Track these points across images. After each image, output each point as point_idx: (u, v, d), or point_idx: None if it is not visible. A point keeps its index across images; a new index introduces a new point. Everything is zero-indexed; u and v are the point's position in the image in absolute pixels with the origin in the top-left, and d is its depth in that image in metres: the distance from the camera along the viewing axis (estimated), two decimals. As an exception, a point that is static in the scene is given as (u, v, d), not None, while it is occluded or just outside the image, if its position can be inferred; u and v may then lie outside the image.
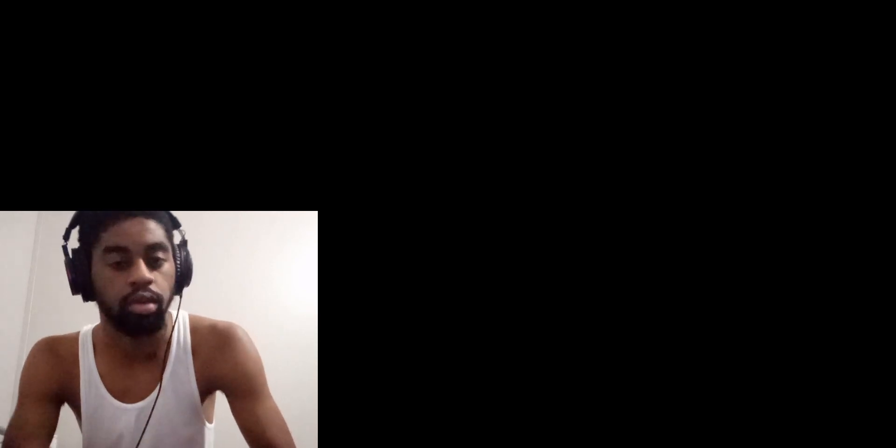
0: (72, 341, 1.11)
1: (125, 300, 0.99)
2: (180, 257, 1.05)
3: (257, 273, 2.58)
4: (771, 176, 0.97)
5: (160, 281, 1.01)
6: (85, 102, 0.98)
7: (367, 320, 0.97)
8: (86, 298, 1.04)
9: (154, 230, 1.02)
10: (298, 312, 2.48)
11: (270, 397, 1.11)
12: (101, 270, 1.01)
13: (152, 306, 1.00)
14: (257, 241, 2.60)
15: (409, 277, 0.97)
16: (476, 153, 0.98)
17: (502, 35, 0.99)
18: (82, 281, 1.02)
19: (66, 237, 1.05)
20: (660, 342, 0.96)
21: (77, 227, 1.05)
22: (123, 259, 0.99)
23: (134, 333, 1.04)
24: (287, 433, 1.08)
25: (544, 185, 0.98)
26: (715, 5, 0.98)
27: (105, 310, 1.04)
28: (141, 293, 0.99)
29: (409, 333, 0.97)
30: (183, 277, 1.06)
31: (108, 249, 1.00)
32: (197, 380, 1.09)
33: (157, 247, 1.01)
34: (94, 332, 1.12)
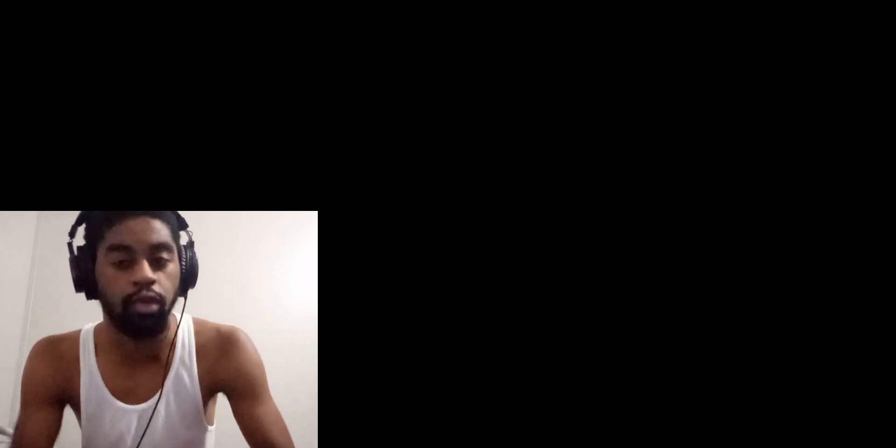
0: (72, 340, 1.09)
1: (128, 300, 0.98)
2: (186, 258, 1.03)
3: (257, 273, 2.59)
4: (771, 176, 0.97)
5: (164, 282, 0.99)
6: (85, 102, 0.98)
7: (367, 320, 0.97)
8: (89, 297, 1.02)
9: (159, 230, 1.00)
10: (298, 312, 2.48)
11: (272, 399, 1.10)
12: (104, 269, 0.99)
13: (155, 307, 0.98)
14: (257, 241, 2.61)
15: (409, 277, 0.97)
16: (475, 153, 0.98)
17: (502, 35, 0.99)
18: (85, 279, 1.00)
19: (72, 234, 1.04)
20: (658, 342, 0.96)
21: (83, 225, 1.03)
22: (127, 258, 0.98)
23: (136, 335, 1.02)
24: (287, 435, 1.08)
25: (543, 185, 0.98)
26: (715, 5, 0.98)
27: (108, 310, 1.02)
28: (144, 293, 0.97)
29: (409, 333, 0.97)
30: (188, 279, 1.04)
31: (112, 248, 0.98)
32: (201, 383, 1.08)
33: (161, 247, 0.99)
34: (96, 330, 1.10)
